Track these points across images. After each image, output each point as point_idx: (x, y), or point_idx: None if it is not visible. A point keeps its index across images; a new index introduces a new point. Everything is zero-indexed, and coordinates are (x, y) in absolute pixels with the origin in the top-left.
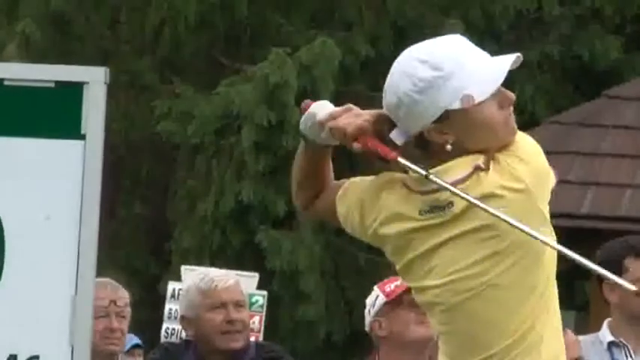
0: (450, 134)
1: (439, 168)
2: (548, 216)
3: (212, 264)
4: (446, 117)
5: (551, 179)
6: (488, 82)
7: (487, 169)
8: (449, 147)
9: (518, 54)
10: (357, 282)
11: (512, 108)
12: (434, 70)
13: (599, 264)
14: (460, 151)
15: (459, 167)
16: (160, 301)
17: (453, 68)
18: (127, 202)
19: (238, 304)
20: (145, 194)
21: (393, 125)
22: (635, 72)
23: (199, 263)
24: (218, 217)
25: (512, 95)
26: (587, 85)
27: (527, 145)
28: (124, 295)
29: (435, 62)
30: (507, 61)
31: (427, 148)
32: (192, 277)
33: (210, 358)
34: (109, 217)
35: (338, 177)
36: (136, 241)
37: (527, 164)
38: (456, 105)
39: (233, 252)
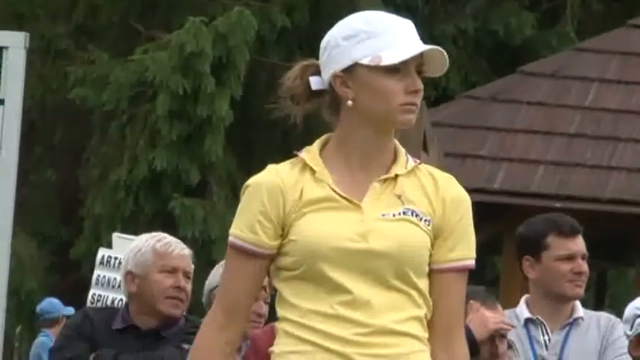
0: (351, 89)
1: None
2: None
3: (123, 231)
4: (353, 70)
5: None
6: (399, 53)
7: None
8: (349, 102)
9: (441, 49)
10: None
11: (417, 100)
12: (365, 24)
13: (521, 239)
14: (357, 113)
15: None
16: (72, 266)
17: (380, 31)
18: (39, 168)
19: (187, 275)
20: (58, 160)
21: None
22: (549, 48)
23: (112, 230)
24: (131, 185)
25: (418, 83)
26: (501, 60)
27: None
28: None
29: (370, 19)
30: (424, 46)
31: (335, 108)
32: (142, 239)
33: (142, 320)
34: (20, 182)
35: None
36: (48, 206)
37: None
38: (365, 60)
39: (145, 219)
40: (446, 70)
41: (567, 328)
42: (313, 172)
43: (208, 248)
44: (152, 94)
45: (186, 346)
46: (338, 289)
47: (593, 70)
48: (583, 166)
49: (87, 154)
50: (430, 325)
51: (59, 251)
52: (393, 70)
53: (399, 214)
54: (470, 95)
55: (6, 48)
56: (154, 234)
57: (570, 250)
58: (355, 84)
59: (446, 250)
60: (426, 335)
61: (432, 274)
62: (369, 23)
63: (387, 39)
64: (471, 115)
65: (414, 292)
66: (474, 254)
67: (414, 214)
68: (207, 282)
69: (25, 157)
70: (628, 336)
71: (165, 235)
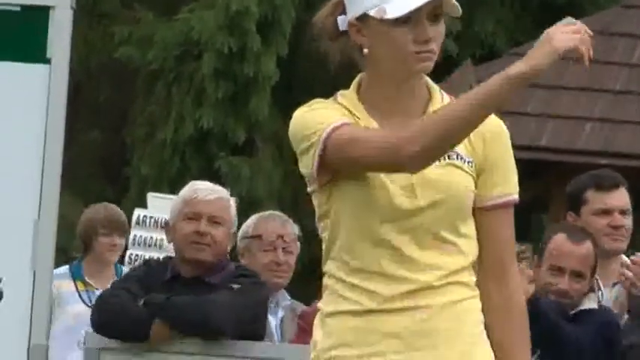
0: (365, 38)
1: None
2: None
3: (171, 190)
4: (366, 20)
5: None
6: (403, 5)
7: None
8: (366, 50)
9: None
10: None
11: (433, 46)
12: None
13: (566, 196)
14: (375, 62)
15: None
16: None
17: None
18: (84, 129)
19: (214, 220)
20: (103, 121)
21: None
22: (595, 5)
23: (158, 189)
24: (177, 144)
25: (429, 32)
26: (547, 19)
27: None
28: (292, 231)
29: None
30: None
31: (360, 50)
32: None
33: (184, 269)
34: (67, 143)
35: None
36: (94, 167)
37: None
38: (373, 12)
39: (192, 178)
40: (460, 12)
41: (618, 287)
42: (356, 117)
43: (255, 207)
44: (198, 53)
45: (235, 285)
46: (384, 244)
47: None
48: (630, 123)
49: (132, 114)
50: (481, 261)
51: None
52: (403, 20)
53: (445, 158)
54: (516, 52)
55: (52, 7)
56: (195, 182)
57: (606, 205)
58: (367, 34)
59: (489, 187)
60: (474, 279)
61: (477, 212)
62: None
63: None
64: None
65: (460, 241)
66: (516, 189)
67: (459, 157)
68: (241, 230)
69: (71, 118)
70: None
71: (204, 182)
